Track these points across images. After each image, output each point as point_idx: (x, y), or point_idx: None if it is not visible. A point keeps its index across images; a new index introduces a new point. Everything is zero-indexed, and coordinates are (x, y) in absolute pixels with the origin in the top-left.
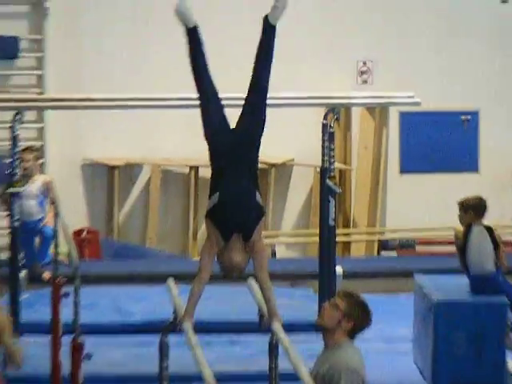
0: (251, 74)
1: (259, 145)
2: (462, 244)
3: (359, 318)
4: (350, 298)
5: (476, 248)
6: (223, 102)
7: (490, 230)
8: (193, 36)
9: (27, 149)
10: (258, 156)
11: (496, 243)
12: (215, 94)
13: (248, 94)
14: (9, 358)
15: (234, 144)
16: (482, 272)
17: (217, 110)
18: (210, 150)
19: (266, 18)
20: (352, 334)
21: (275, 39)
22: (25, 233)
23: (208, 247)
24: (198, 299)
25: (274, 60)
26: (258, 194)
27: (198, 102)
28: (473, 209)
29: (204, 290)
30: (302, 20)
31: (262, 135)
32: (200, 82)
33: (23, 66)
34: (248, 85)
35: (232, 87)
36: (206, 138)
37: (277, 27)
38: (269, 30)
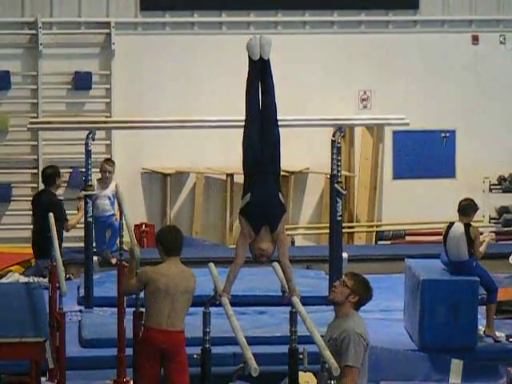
0: (262, 103)
1: (279, 155)
2: (444, 236)
3: (363, 293)
4: (355, 278)
5: (453, 240)
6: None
7: (467, 226)
8: (255, 67)
9: (109, 160)
10: (280, 164)
11: (470, 237)
12: (258, 116)
13: (263, 119)
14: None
15: (263, 155)
16: (457, 259)
17: (256, 129)
18: (244, 158)
19: (260, 57)
20: (357, 306)
21: (271, 68)
22: (99, 225)
23: (242, 238)
24: (234, 279)
25: (288, 89)
26: (280, 194)
27: (241, 121)
28: (458, 209)
29: (239, 272)
30: (314, 57)
31: (279, 146)
32: (249, 105)
33: (95, 95)
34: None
35: None
36: (244, 149)
37: (279, 58)
38: (264, 64)
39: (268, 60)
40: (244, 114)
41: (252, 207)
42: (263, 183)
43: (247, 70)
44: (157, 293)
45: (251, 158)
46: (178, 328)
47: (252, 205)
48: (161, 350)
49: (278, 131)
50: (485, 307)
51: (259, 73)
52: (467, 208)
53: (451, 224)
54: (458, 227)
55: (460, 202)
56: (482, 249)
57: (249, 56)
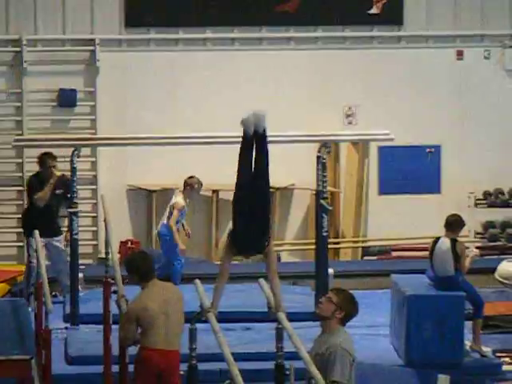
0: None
1: (269, 207)
2: (431, 251)
3: (349, 308)
4: (341, 293)
5: (439, 255)
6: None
7: (454, 241)
8: (250, 140)
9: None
10: (268, 191)
11: (456, 252)
12: (249, 176)
13: (255, 185)
14: None
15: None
16: (443, 274)
17: (245, 193)
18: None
19: (254, 132)
20: (344, 321)
21: (266, 138)
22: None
23: (226, 255)
24: (221, 295)
25: (274, 105)
26: (266, 237)
27: (227, 138)
28: (445, 224)
29: (225, 288)
30: (301, 75)
31: (269, 201)
32: (241, 169)
33: (80, 112)
34: None
35: None
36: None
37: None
38: (260, 136)
39: (263, 132)
40: (229, 130)
41: (237, 242)
42: (252, 213)
43: (240, 142)
44: (150, 319)
45: (241, 204)
46: (175, 347)
47: (237, 240)
48: (157, 370)
49: (268, 191)
50: (471, 322)
51: (253, 143)
52: (454, 224)
53: (437, 239)
54: (445, 242)
55: (447, 218)
56: (467, 264)
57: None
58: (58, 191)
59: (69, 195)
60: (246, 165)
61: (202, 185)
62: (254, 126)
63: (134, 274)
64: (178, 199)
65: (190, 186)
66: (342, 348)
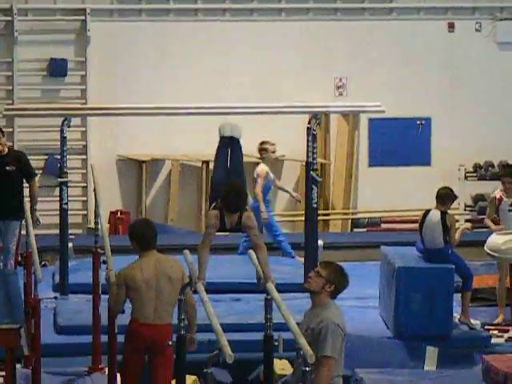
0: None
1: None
2: (420, 224)
3: (339, 281)
4: (330, 267)
5: (429, 228)
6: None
7: (444, 214)
8: (226, 141)
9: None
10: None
11: (446, 225)
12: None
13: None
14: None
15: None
16: (433, 246)
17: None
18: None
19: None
20: (334, 294)
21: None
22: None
23: (211, 221)
24: (207, 264)
25: (264, 76)
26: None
27: (217, 108)
28: (436, 196)
29: (213, 259)
30: (291, 46)
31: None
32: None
33: (70, 81)
34: None
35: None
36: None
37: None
38: (235, 141)
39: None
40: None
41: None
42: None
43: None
44: (138, 289)
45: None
46: (166, 321)
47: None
48: (147, 344)
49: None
50: (460, 295)
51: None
52: (445, 196)
53: (427, 211)
54: (435, 215)
55: (438, 190)
56: (457, 236)
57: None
58: (8, 168)
59: (30, 170)
60: (221, 163)
61: (274, 145)
62: (231, 132)
63: (133, 241)
64: (260, 167)
65: (265, 150)
66: (334, 323)
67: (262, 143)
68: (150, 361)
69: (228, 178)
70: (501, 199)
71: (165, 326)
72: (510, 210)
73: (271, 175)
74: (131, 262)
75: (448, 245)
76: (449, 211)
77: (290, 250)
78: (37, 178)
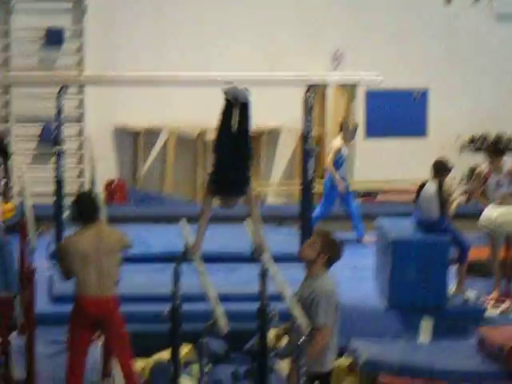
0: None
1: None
2: (417, 195)
3: (333, 252)
4: (324, 237)
5: (425, 199)
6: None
7: (440, 185)
8: (232, 105)
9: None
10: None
11: (442, 197)
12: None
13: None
14: None
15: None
16: (429, 218)
17: (226, 142)
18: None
19: (236, 100)
20: (328, 264)
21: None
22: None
23: (207, 195)
24: (204, 234)
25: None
26: (248, 172)
27: (214, 77)
28: (431, 168)
29: (209, 229)
30: (287, 16)
31: (251, 159)
32: (221, 127)
33: (67, 50)
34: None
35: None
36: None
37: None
38: (243, 104)
39: (246, 101)
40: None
41: (217, 186)
42: (232, 161)
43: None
44: (78, 260)
45: (220, 157)
46: (109, 293)
47: (217, 183)
48: (93, 319)
49: (250, 149)
50: (455, 267)
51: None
52: (441, 168)
53: (424, 183)
54: (431, 186)
55: (434, 162)
56: (453, 208)
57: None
58: None
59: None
60: (226, 126)
61: (356, 126)
62: (236, 97)
63: (76, 213)
64: (334, 142)
65: (343, 126)
66: (325, 292)
67: (344, 119)
68: (104, 336)
69: (232, 145)
70: (488, 175)
71: (108, 300)
72: (496, 187)
73: (344, 151)
74: (73, 234)
75: (444, 217)
76: (445, 183)
77: (360, 230)
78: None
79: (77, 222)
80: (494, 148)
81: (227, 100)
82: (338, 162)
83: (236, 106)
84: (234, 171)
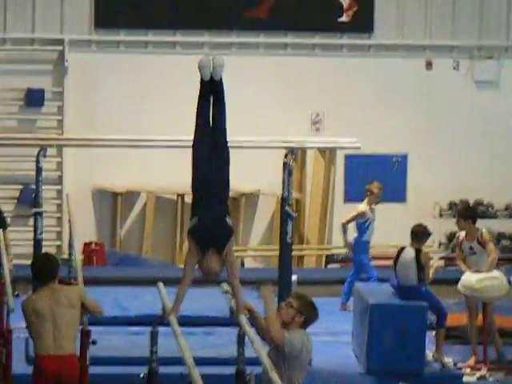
0: (212, 123)
1: (228, 176)
2: (395, 260)
3: (309, 313)
4: (300, 298)
5: (404, 265)
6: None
7: (418, 251)
8: (206, 86)
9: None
10: (228, 186)
11: (420, 262)
12: (207, 136)
13: (213, 140)
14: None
15: (211, 174)
16: (407, 283)
17: (204, 149)
18: (193, 177)
19: (211, 79)
20: (303, 326)
21: (223, 88)
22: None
23: (190, 257)
24: (183, 298)
25: (241, 110)
26: (228, 217)
27: (190, 139)
28: (410, 234)
29: (187, 292)
30: (268, 79)
31: (228, 168)
32: (199, 125)
33: (47, 112)
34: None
35: None
36: (192, 168)
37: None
38: (216, 85)
39: (220, 80)
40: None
41: (199, 230)
42: (211, 206)
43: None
44: (34, 319)
45: (199, 177)
46: (68, 351)
47: (199, 228)
48: (53, 378)
49: (228, 152)
50: (433, 333)
51: (210, 92)
52: (419, 234)
53: (402, 248)
54: (409, 252)
55: (413, 228)
56: (431, 274)
57: (200, 75)
58: None
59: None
60: (203, 120)
61: (381, 189)
62: (212, 70)
63: (33, 275)
64: (359, 206)
65: (369, 191)
66: (300, 335)
67: (369, 183)
68: None
69: (212, 142)
70: (462, 241)
71: (68, 357)
72: (469, 253)
73: (370, 216)
74: (30, 294)
75: (422, 282)
76: (423, 249)
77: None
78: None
79: (35, 282)
80: (464, 213)
81: (202, 81)
82: (364, 226)
83: (211, 87)
84: (214, 201)
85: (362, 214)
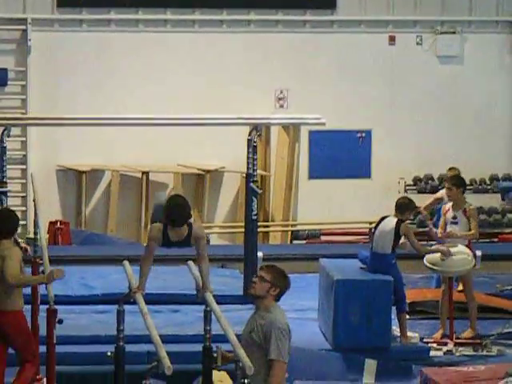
0: None
1: None
2: (375, 227)
3: (283, 284)
4: (272, 270)
5: (382, 232)
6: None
7: (399, 222)
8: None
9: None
10: None
11: (398, 233)
12: None
13: None
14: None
15: None
16: (380, 250)
17: None
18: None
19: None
20: (278, 297)
21: None
22: None
23: (153, 234)
24: (147, 275)
25: (205, 88)
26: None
27: (157, 119)
28: (395, 205)
29: (152, 270)
30: (231, 56)
31: None
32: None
33: (10, 91)
34: None
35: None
36: None
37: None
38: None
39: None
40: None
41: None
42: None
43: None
44: None
45: None
46: (4, 308)
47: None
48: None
49: None
50: (395, 315)
51: None
52: (402, 206)
53: (384, 217)
54: (390, 221)
55: (398, 199)
56: (401, 244)
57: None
58: None
59: None
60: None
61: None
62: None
63: None
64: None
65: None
66: (278, 327)
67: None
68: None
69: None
70: (448, 211)
71: (4, 313)
72: (451, 223)
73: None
74: None
75: (394, 253)
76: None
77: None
78: None
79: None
80: (457, 182)
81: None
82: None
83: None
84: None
85: (439, 201)
